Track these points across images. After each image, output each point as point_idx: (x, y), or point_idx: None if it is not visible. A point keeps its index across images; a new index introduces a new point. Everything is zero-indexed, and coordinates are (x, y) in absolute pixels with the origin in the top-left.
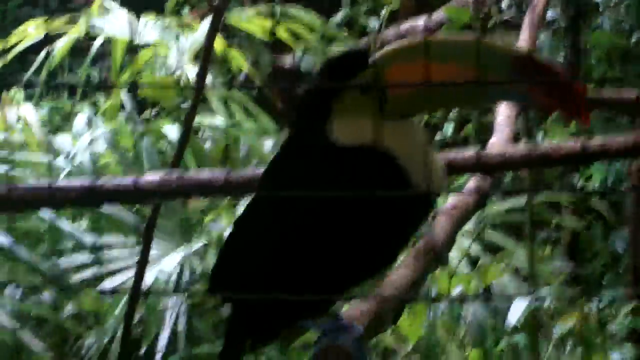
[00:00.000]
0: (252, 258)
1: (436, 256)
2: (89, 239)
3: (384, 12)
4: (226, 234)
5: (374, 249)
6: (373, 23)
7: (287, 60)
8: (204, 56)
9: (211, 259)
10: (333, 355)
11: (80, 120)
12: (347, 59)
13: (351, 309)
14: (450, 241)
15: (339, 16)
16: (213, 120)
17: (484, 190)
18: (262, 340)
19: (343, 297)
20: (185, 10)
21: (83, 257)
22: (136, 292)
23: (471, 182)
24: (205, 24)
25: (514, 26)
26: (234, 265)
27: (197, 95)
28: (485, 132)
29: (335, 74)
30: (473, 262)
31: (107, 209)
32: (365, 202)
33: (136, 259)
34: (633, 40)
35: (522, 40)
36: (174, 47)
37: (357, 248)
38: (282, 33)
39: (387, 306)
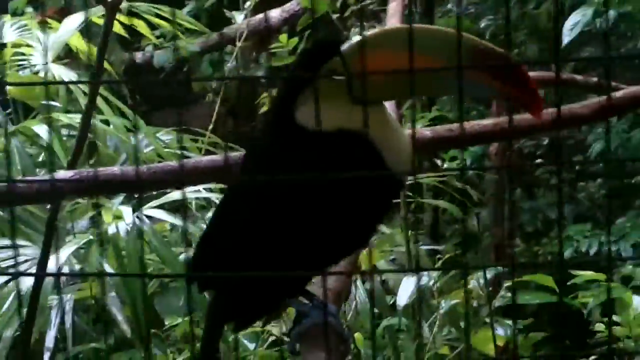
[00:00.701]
0: (233, 243)
1: None
2: None
3: (248, 4)
4: (112, 230)
5: (351, 229)
6: (237, 15)
7: (139, 56)
8: (99, 53)
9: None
10: (318, 332)
11: None
12: (318, 48)
13: (317, 288)
14: None
15: (186, 9)
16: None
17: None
18: (245, 322)
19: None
20: (30, 9)
21: None
22: (36, 291)
23: None
24: (68, 23)
25: (371, 14)
26: (215, 251)
27: (94, 94)
28: None
29: (306, 63)
30: None
31: None
32: (343, 183)
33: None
34: (482, 24)
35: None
36: (37, 47)
37: (334, 228)
38: (141, 27)
39: (345, 284)
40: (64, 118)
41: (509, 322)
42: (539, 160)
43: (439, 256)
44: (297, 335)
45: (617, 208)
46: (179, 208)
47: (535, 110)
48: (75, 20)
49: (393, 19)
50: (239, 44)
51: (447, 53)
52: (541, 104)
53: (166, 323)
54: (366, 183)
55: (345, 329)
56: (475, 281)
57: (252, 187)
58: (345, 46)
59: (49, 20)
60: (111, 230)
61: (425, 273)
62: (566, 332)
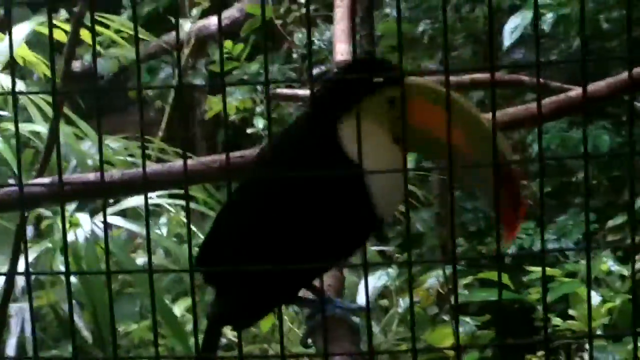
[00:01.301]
0: (239, 241)
1: None
2: None
3: (195, 11)
4: (71, 237)
5: (334, 244)
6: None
7: (77, 65)
8: (66, 62)
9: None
10: (333, 324)
11: None
12: (373, 64)
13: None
14: None
15: (123, 16)
16: (33, 127)
17: None
18: (248, 322)
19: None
20: None
21: None
22: (6, 297)
23: None
24: (14, 34)
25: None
26: (221, 248)
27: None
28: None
29: (358, 82)
30: None
31: None
32: (334, 208)
33: None
34: (420, 29)
35: (339, 31)
36: None
37: (322, 237)
38: (85, 36)
39: (341, 281)
40: (13, 127)
41: (467, 319)
42: None
43: (397, 256)
44: (310, 329)
45: (558, 206)
46: (130, 214)
47: (511, 227)
48: (21, 30)
49: (339, 24)
50: (186, 50)
51: (480, 141)
52: (518, 223)
53: (120, 329)
54: (348, 213)
55: (355, 321)
56: (434, 279)
57: (259, 189)
58: (407, 79)
59: None
60: (69, 237)
61: (384, 273)
62: (512, 329)
